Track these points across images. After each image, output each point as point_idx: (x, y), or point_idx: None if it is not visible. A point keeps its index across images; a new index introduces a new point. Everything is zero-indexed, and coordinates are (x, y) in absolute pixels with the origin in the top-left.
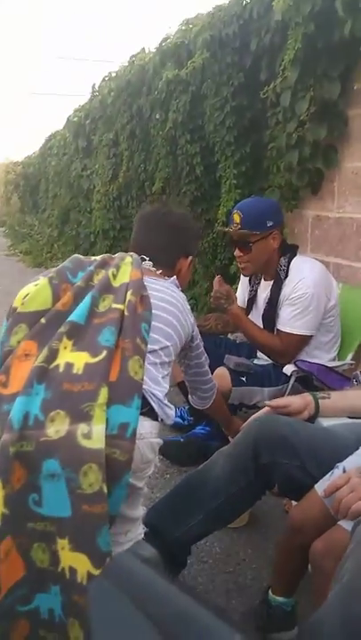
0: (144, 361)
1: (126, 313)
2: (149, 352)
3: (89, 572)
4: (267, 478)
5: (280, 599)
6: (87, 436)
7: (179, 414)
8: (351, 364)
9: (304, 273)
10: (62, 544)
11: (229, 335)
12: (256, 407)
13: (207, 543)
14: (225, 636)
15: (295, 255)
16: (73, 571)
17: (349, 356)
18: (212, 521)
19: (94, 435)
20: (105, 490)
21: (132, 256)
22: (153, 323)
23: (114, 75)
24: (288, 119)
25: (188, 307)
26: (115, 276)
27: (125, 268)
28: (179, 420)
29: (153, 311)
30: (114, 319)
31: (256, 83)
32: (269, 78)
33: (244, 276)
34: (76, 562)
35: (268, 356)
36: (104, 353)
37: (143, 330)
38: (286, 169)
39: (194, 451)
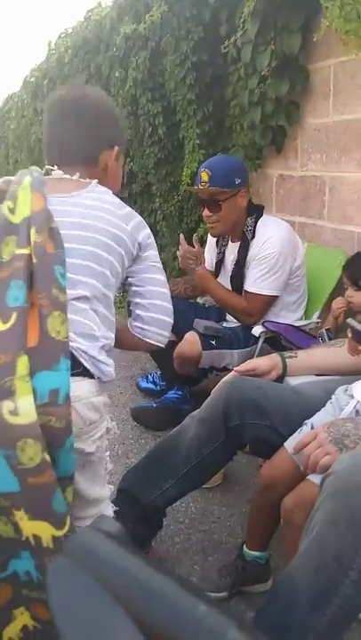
0: (66, 314)
1: (34, 259)
2: (73, 299)
3: (53, 535)
4: (237, 439)
5: (254, 553)
6: (14, 412)
7: (151, 380)
8: (317, 323)
9: (270, 232)
10: (20, 515)
11: (198, 299)
12: (226, 370)
13: (183, 504)
14: (191, 609)
15: (261, 215)
16: (37, 538)
17: (315, 315)
18: (185, 483)
19: (21, 410)
20: (48, 459)
21: (31, 174)
22: (70, 260)
23: (70, 31)
24: (249, 75)
25: (128, 210)
26: (13, 210)
27: (24, 195)
28: (151, 385)
29: (67, 245)
30: (20, 269)
31: (216, 37)
32: (230, 32)
33: (213, 236)
34: (37, 529)
35: (235, 317)
36: (14, 316)
37: (58, 274)
38: (249, 127)
39: (167, 415)
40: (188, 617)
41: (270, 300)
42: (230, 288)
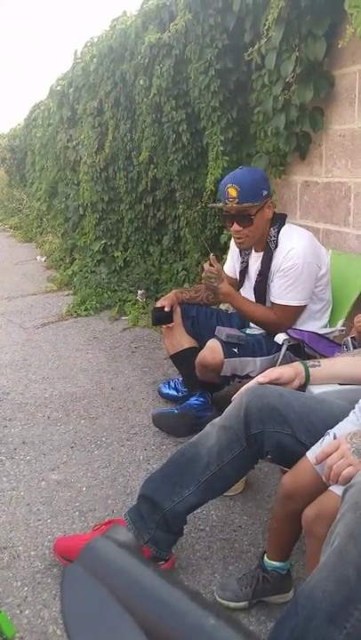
0: None
1: None
2: None
3: None
4: (259, 447)
5: (275, 563)
6: None
7: (173, 386)
8: (341, 331)
9: (293, 243)
10: None
11: (221, 306)
12: (249, 377)
13: (204, 512)
14: (200, 621)
15: (284, 224)
16: None
17: (340, 323)
18: (206, 491)
19: None
20: None
21: None
22: None
23: (96, 40)
24: (274, 81)
25: None
26: None
27: None
28: (173, 391)
29: None
30: None
31: (240, 44)
32: (254, 39)
33: (242, 249)
34: None
35: (265, 329)
36: None
37: None
38: (273, 134)
39: (188, 422)
40: (197, 628)
41: (299, 310)
42: (254, 298)
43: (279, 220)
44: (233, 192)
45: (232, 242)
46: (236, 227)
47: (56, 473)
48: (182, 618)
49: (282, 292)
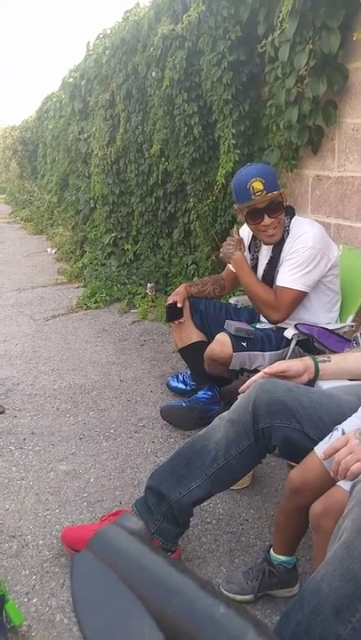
0: None
1: None
2: None
3: None
4: (266, 441)
5: (281, 557)
6: None
7: (181, 379)
8: (352, 327)
9: (305, 228)
10: None
11: (231, 300)
12: (257, 372)
13: (210, 505)
14: (210, 609)
15: (294, 215)
16: None
17: (350, 319)
18: (213, 484)
19: None
20: None
21: None
22: None
23: (108, 32)
24: (287, 74)
25: None
26: None
27: None
28: (181, 385)
29: None
30: None
31: (254, 37)
32: (267, 31)
33: (271, 243)
34: None
35: (261, 310)
36: None
37: None
38: (286, 127)
39: (196, 415)
40: (208, 617)
41: (299, 297)
42: None
43: (291, 211)
44: (259, 185)
45: (241, 233)
46: (267, 220)
47: (64, 464)
48: (192, 606)
49: (286, 275)
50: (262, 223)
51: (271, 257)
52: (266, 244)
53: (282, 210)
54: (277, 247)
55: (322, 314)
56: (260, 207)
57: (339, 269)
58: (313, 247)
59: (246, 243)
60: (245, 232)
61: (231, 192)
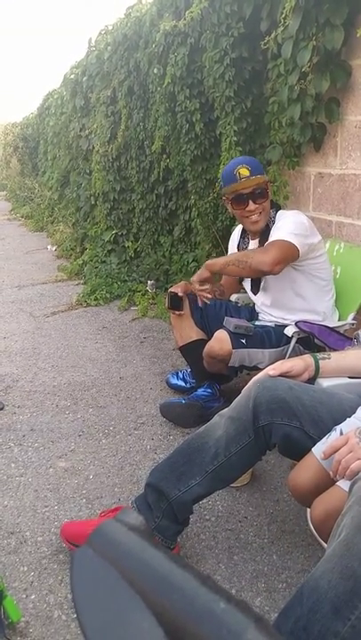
0: None
1: None
2: None
3: None
4: (266, 439)
5: None
6: None
7: (181, 377)
8: (352, 324)
9: (288, 213)
10: None
11: (231, 298)
12: (257, 369)
13: (210, 502)
14: (211, 605)
15: (280, 209)
16: None
17: (350, 317)
18: (212, 481)
19: None
20: None
21: None
22: None
23: (110, 28)
24: (290, 71)
25: None
26: None
27: None
28: (181, 382)
29: None
30: None
31: (256, 33)
32: (270, 28)
33: (256, 231)
34: None
35: (254, 269)
36: None
37: None
38: (288, 124)
39: (196, 412)
40: (208, 612)
41: (288, 249)
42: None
43: (276, 205)
44: (245, 171)
45: (233, 235)
46: (251, 205)
47: (64, 460)
48: (192, 601)
49: (274, 233)
50: (247, 209)
51: (260, 242)
52: (250, 231)
53: (266, 197)
54: (263, 237)
55: (317, 303)
56: (245, 192)
57: (327, 258)
58: (296, 219)
59: (236, 242)
60: (235, 233)
61: None
